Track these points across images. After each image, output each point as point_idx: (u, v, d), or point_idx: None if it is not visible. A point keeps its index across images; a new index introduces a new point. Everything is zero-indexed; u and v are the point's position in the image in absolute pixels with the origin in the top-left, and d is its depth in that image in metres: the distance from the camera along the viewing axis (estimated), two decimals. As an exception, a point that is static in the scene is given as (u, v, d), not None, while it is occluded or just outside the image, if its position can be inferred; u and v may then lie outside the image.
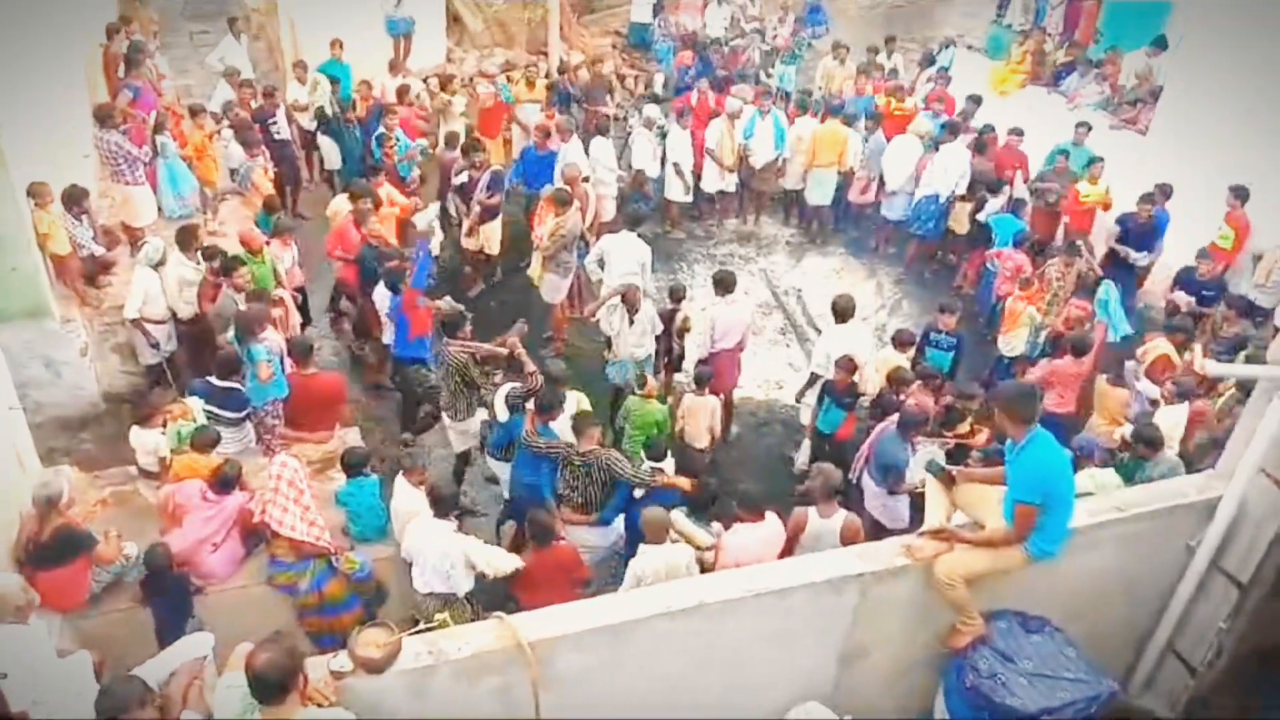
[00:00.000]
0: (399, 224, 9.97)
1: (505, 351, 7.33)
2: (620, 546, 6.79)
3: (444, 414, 7.81)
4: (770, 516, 5.87)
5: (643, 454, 6.95)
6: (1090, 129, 11.55)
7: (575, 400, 7.29)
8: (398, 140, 10.93)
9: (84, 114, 9.64)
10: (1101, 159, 10.92)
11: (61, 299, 8.02)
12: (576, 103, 13.12)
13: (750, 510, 5.81)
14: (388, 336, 8.69)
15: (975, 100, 12.81)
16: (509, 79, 13.28)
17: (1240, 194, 9.69)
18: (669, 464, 6.90)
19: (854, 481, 7.40)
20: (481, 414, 7.68)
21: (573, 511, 6.71)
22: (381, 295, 8.50)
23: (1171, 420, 7.08)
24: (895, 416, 7.22)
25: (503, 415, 7.14)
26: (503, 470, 7.34)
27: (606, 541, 6.80)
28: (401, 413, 8.82)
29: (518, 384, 7.09)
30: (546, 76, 13.76)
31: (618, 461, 6.52)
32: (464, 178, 10.46)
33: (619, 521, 6.74)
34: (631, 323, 8.45)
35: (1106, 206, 10.75)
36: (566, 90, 13.21)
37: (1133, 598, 5.58)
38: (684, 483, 6.63)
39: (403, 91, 11.90)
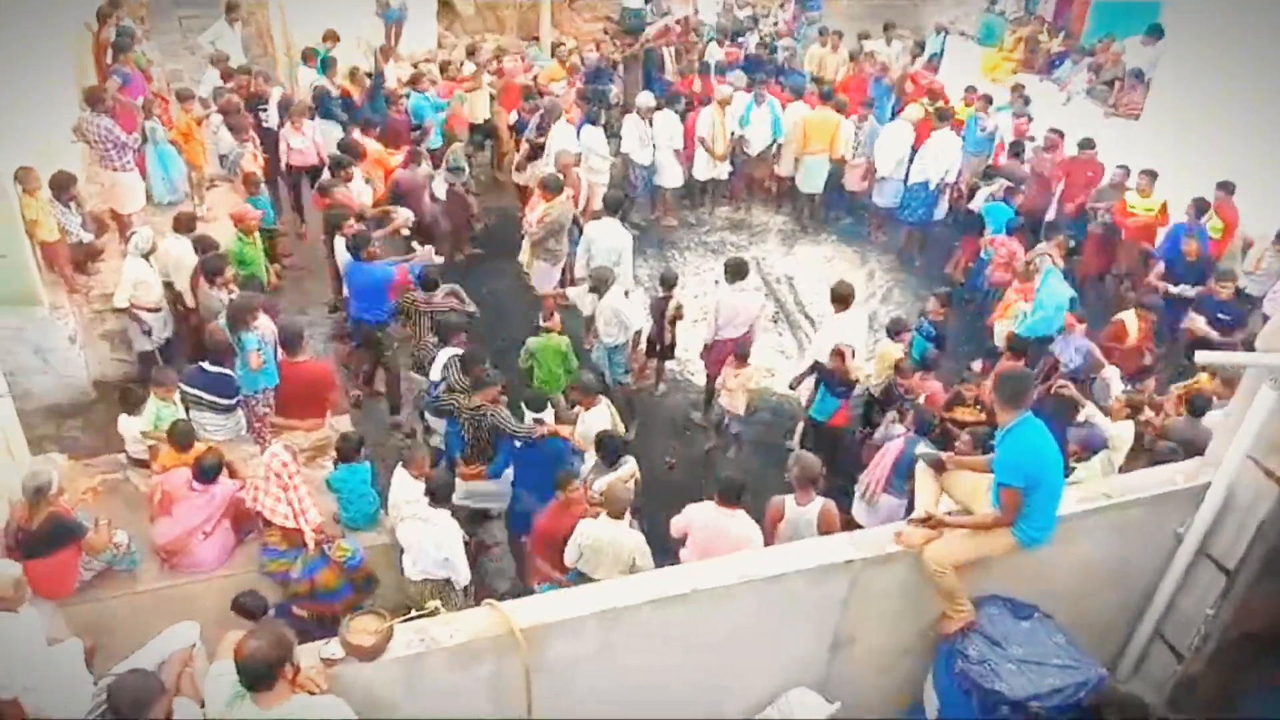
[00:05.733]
0: (387, 179, 10.12)
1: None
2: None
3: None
4: (740, 513, 5.75)
5: (523, 405, 6.85)
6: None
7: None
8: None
9: (71, 99, 9.56)
10: (1154, 172, 10.18)
11: (50, 286, 7.99)
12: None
13: (725, 498, 5.73)
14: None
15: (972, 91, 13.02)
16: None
17: (1227, 188, 9.77)
18: (549, 415, 6.97)
19: (865, 499, 7.03)
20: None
21: (465, 465, 7.06)
22: (341, 253, 8.55)
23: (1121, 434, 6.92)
24: (902, 433, 7.09)
25: (435, 375, 7.37)
26: (438, 424, 7.70)
27: (503, 490, 7.11)
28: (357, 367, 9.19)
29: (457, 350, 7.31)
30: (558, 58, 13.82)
31: (502, 417, 6.76)
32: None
33: (508, 474, 7.00)
34: (596, 305, 8.43)
35: (1160, 223, 10.16)
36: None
37: (1121, 584, 5.61)
38: (566, 430, 6.82)
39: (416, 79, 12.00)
